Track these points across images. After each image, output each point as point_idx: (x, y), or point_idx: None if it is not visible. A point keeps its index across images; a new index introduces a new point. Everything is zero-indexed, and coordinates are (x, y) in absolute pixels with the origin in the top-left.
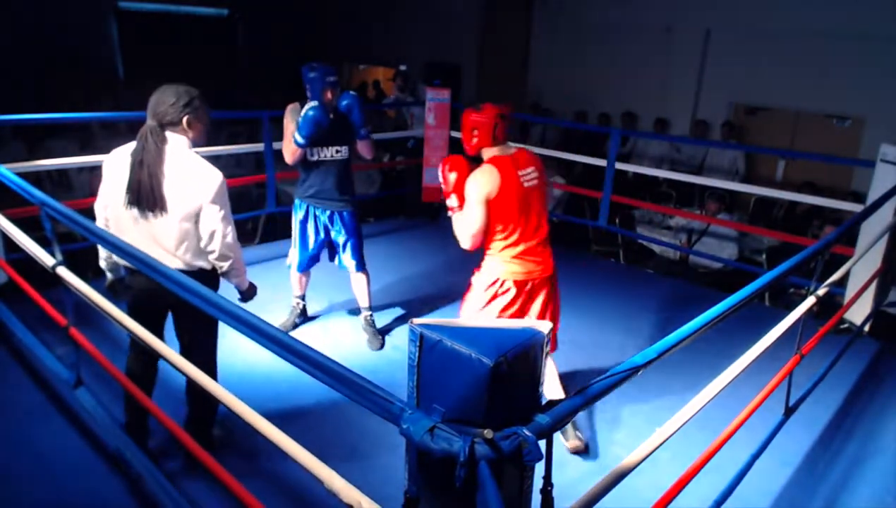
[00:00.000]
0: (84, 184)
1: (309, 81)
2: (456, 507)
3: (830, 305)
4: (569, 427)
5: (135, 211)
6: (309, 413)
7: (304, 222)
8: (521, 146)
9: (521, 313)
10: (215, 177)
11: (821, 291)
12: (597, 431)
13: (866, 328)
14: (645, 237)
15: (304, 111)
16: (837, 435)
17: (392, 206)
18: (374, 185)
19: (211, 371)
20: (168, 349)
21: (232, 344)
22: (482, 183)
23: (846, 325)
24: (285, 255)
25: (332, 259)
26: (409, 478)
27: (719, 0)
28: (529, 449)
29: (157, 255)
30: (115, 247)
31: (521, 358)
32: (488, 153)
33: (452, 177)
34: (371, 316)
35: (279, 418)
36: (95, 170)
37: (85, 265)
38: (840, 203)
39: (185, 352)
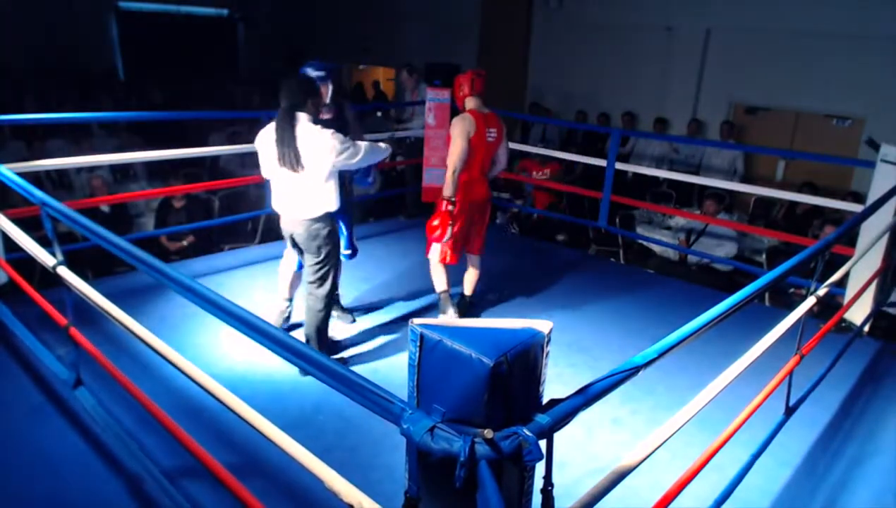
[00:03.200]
0: (84, 185)
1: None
2: (456, 507)
3: (830, 305)
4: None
5: (285, 170)
6: (309, 413)
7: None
8: (492, 111)
9: (468, 226)
10: (328, 137)
11: (821, 291)
12: (597, 431)
13: (866, 328)
14: (644, 237)
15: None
16: (837, 435)
17: (392, 206)
18: (373, 185)
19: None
20: (171, 349)
21: (233, 344)
22: (465, 124)
23: (846, 325)
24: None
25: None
26: (410, 478)
27: (719, 0)
28: (530, 449)
29: (299, 202)
30: (116, 246)
31: (521, 358)
32: (469, 104)
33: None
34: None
35: (280, 418)
36: (95, 170)
37: (85, 264)
38: (840, 203)
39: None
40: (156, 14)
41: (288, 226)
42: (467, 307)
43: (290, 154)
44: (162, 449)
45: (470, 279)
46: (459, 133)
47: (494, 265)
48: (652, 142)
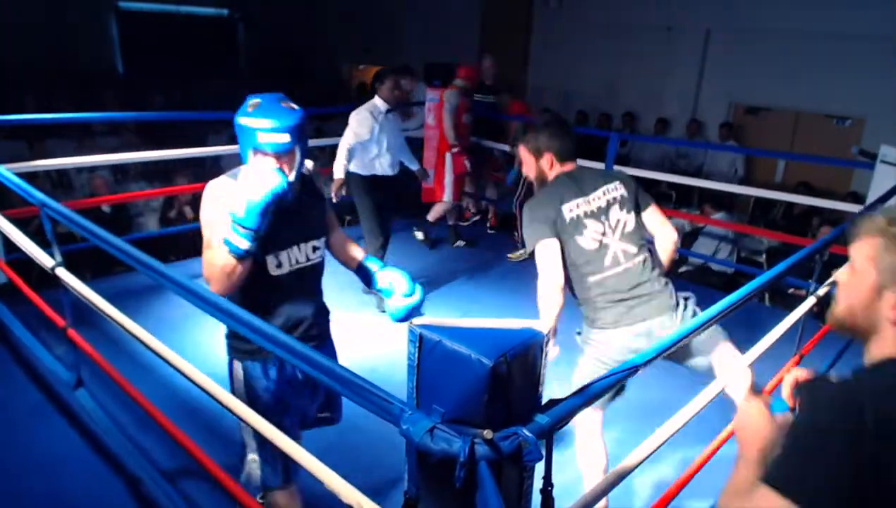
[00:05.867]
0: (84, 184)
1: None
2: (455, 507)
3: (830, 305)
4: None
5: None
6: None
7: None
8: None
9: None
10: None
11: (821, 291)
12: None
13: None
14: None
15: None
16: None
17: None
18: None
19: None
20: (173, 352)
21: None
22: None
23: None
24: None
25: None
26: (409, 479)
27: (719, 0)
28: (529, 450)
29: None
30: (118, 248)
31: (520, 359)
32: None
33: None
34: None
35: None
36: (96, 170)
37: (83, 265)
38: (839, 203)
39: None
40: (156, 14)
41: None
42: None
43: None
44: (161, 450)
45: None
46: None
47: (493, 264)
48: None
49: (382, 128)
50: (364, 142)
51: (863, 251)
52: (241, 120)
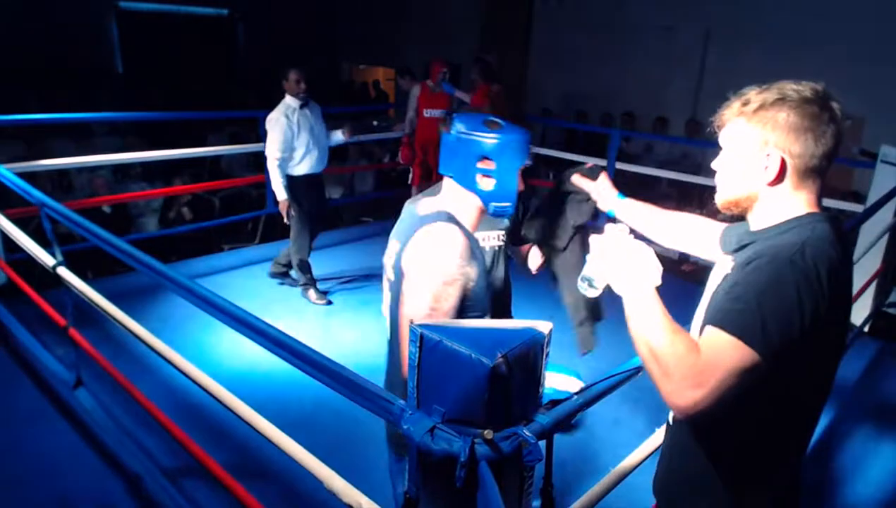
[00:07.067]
0: (84, 185)
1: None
2: (456, 507)
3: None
4: None
5: None
6: (309, 413)
7: None
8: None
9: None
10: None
11: None
12: (597, 431)
13: (866, 328)
14: (645, 239)
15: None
16: (837, 436)
17: (391, 206)
18: (366, 184)
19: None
20: (174, 352)
21: (232, 345)
22: None
23: None
24: None
25: None
26: (409, 479)
27: (719, 0)
28: (530, 450)
29: None
30: (117, 247)
31: (521, 359)
32: None
33: None
34: None
35: (279, 418)
36: (96, 171)
37: (85, 264)
38: (840, 203)
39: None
40: (156, 14)
41: None
42: None
43: None
44: (161, 450)
45: None
46: None
47: None
48: (664, 145)
49: (300, 126)
50: (286, 146)
51: (729, 134)
52: (503, 137)
